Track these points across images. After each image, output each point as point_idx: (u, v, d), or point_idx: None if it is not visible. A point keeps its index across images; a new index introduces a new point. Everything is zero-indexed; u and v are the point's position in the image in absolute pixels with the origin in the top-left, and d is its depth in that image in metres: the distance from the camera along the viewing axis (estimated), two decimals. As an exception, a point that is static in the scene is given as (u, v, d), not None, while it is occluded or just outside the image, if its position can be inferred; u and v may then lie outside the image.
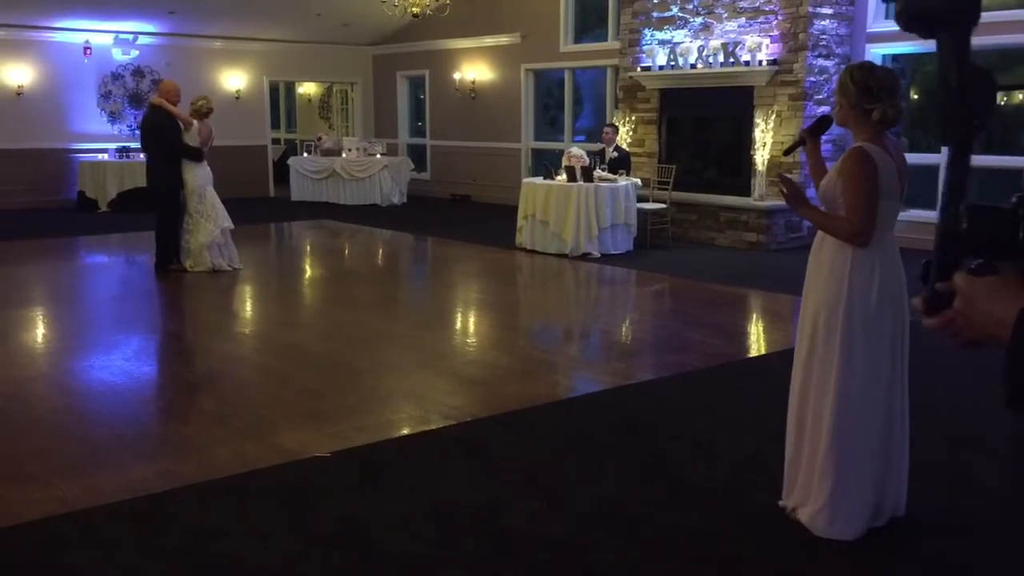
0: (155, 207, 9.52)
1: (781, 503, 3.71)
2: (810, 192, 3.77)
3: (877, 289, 3.39)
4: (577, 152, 10.98)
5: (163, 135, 9.22)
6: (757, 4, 11.47)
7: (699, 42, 12.04)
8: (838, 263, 3.44)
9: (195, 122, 9.21)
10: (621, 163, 11.41)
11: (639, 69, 12.80)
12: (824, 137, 3.77)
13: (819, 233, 3.57)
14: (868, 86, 3.35)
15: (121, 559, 3.37)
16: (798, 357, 3.62)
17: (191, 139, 9.22)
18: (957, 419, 4.99)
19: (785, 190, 3.59)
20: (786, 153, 3.96)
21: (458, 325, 7.89)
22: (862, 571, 3.33)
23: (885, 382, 3.44)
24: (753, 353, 6.77)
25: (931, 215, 10.99)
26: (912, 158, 11.33)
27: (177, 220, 9.37)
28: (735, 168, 12.01)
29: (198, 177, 9.24)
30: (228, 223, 9.46)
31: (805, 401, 3.57)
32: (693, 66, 12.08)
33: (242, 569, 3.31)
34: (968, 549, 3.51)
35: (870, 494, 3.46)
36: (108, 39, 16.01)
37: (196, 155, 9.23)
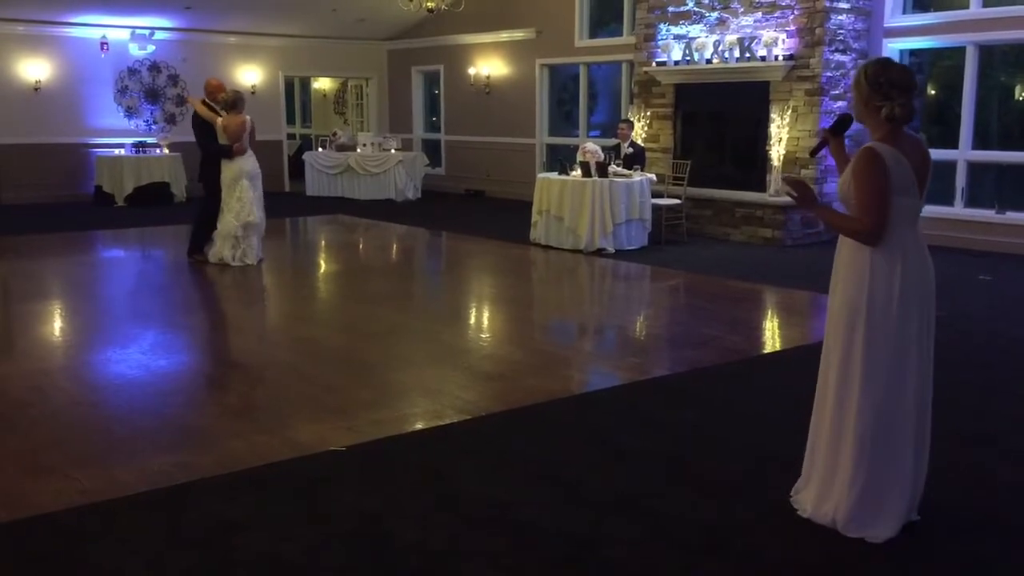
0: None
1: (792, 497, 3.72)
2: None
3: (899, 288, 3.37)
4: (592, 147, 10.97)
5: (196, 134, 9.59)
6: (773, -1, 11.43)
7: (715, 37, 12.00)
8: (858, 262, 3.43)
9: (218, 120, 9.27)
10: (636, 158, 11.39)
11: (654, 64, 12.77)
12: (847, 134, 3.74)
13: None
14: (879, 83, 3.34)
15: (142, 550, 3.41)
16: (824, 356, 3.60)
17: (221, 136, 9.30)
18: (971, 417, 4.98)
19: (795, 192, 3.58)
20: (812, 155, 3.95)
21: (473, 320, 7.90)
22: (880, 567, 3.33)
23: (912, 381, 3.42)
24: (769, 349, 6.77)
25: (948, 211, 10.94)
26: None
27: (213, 211, 9.52)
28: (750, 164, 11.98)
29: (230, 170, 9.35)
30: (252, 218, 9.47)
31: (828, 399, 3.56)
32: (709, 61, 12.05)
33: (262, 561, 3.34)
34: (989, 547, 3.49)
35: (906, 492, 3.45)
36: (125, 34, 16.10)
37: (225, 153, 9.31)
